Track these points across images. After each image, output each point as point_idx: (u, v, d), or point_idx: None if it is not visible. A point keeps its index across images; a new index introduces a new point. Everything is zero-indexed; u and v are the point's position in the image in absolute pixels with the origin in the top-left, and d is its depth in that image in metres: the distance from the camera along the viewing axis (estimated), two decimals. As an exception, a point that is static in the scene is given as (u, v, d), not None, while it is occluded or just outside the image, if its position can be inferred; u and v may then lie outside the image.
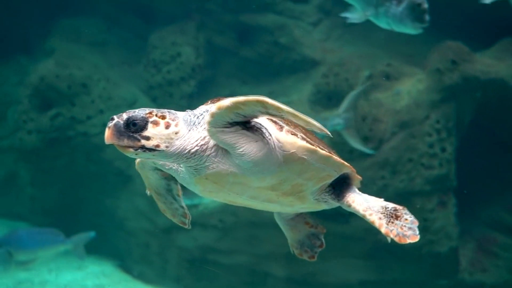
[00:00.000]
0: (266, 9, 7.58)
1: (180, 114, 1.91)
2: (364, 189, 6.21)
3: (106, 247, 7.43)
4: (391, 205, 2.12)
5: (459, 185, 6.09)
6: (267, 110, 1.78)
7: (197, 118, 1.92)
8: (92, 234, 6.28)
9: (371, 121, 6.15)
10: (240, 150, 1.85)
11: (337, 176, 2.15)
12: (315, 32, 7.73)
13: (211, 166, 1.93)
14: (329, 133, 1.86)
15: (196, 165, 1.93)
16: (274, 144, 1.90)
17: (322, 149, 2.01)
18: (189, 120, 1.91)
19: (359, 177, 2.27)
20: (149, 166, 2.28)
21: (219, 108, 1.76)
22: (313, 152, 1.96)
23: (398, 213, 2.08)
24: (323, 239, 2.54)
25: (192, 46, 7.71)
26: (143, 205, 7.04)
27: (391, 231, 2.02)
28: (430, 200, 5.92)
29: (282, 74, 7.61)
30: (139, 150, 1.81)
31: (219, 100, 1.88)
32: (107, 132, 1.78)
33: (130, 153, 1.82)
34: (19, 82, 8.26)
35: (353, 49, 7.45)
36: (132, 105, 7.60)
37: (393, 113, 6.14)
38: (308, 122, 1.78)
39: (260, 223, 6.19)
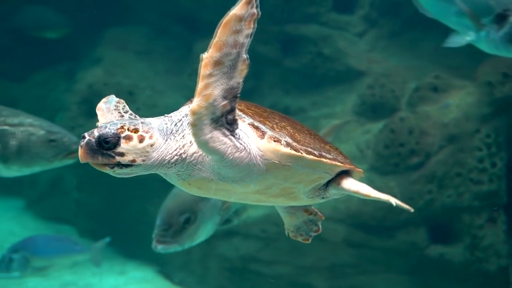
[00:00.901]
0: (311, 20, 7.58)
1: (155, 123, 1.80)
2: (410, 202, 6.10)
3: (147, 252, 7.51)
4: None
5: (509, 202, 5.91)
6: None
7: (175, 125, 1.82)
8: (107, 239, 6.32)
9: (418, 134, 6.05)
10: (225, 160, 1.74)
11: (332, 176, 2.03)
12: (360, 42, 7.68)
13: (193, 173, 1.84)
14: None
15: (177, 171, 1.84)
16: (255, 153, 1.79)
17: (310, 153, 1.86)
18: (165, 129, 1.80)
19: (360, 170, 2.16)
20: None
21: (193, 113, 1.62)
22: (299, 158, 1.83)
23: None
24: (320, 225, 2.44)
25: (236, 56, 7.75)
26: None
27: (390, 197, 2.00)
28: (479, 216, 5.76)
29: (326, 85, 7.58)
30: (115, 167, 1.71)
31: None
32: (80, 151, 1.69)
33: (107, 170, 1.72)
34: (67, 89, 8.50)
35: (399, 60, 7.36)
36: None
37: (441, 126, 6.02)
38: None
39: (303, 235, 6.14)
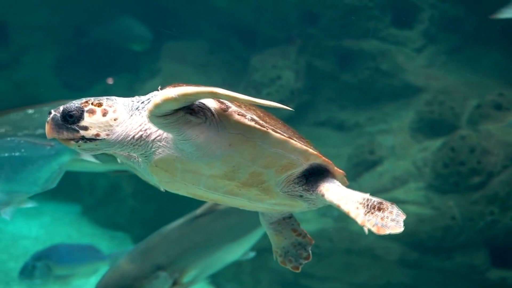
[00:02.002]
0: (369, 35, 7.52)
1: (120, 100, 1.80)
2: (470, 223, 5.87)
3: (198, 262, 7.60)
4: (377, 199, 1.82)
5: None
6: (218, 97, 1.67)
7: (142, 103, 1.81)
8: (129, 249, 6.37)
9: (479, 153, 5.87)
10: (183, 135, 1.72)
11: (306, 166, 1.91)
12: (418, 58, 7.56)
13: (158, 151, 1.81)
14: (287, 107, 1.68)
15: (144, 152, 1.82)
16: (218, 125, 1.73)
17: (277, 132, 1.77)
18: (130, 106, 1.80)
19: (341, 171, 2.00)
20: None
21: (165, 99, 1.62)
22: (264, 134, 1.75)
23: (382, 206, 1.78)
24: (310, 251, 2.30)
25: (292, 70, 7.79)
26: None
27: (368, 221, 1.74)
28: (544, 240, 5.52)
29: (382, 100, 7.49)
30: (80, 141, 1.71)
31: (176, 86, 1.76)
32: (47, 127, 1.71)
33: (71, 145, 1.72)
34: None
35: (459, 76, 7.19)
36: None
37: (504, 146, 5.82)
38: (264, 104, 1.62)
39: (357, 251, 6.05)
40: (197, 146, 1.74)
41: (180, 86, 1.71)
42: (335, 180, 1.96)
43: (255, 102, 1.64)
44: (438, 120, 6.61)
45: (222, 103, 1.75)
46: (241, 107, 1.79)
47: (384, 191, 6.38)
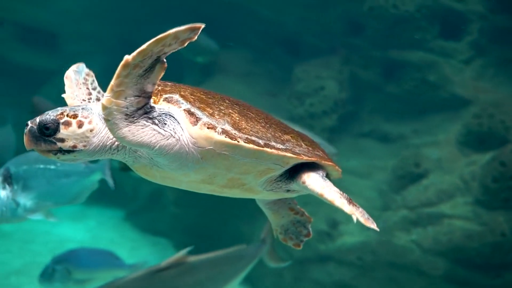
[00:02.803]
0: (416, 45, 7.42)
1: (95, 109, 1.76)
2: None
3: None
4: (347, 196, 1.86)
5: None
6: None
7: None
8: (148, 262, 6.40)
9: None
10: (154, 150, 1.70)
11: (287, 168, 1.88)
12: (466, 70, 7.40)
13: (135, 160, 1.81)
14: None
15: (123, 158, 1.82)
16: (187, 140, 1.71)
17: (251, 142, 1.73)
18: None
19: (331, 163, 1.96)
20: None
21: (124, 65, 1.54)
22: (235, 147, 1.72)
23: (353, 202, 1.83)
24: (309, 228, 2.27)
25: (336, 80, 7.76)
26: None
27: (356, 210, 1.77)
28: None
29: (428, 112, 7.36)
30: (58, 153, 1.70)
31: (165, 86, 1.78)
32: (25, 139, 1.69)
33: (52, 157, 1.71)
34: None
35: (509, 89, 7.00)
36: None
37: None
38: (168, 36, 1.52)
39: (401, 265, 5.95)
40: (169, 160, 1.73)
41: (161, 93, 1.75)
42: (319, 171, 1.93)
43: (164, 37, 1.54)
44: (487, 134, 6.44)
45: (192, 115, 1.72)
46: (214, 115, 1.75)
47: (429, 204, 6.26)
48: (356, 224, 6.04)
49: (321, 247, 6.63)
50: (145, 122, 1.65)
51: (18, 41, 10.81)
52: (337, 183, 1.97)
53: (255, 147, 1.74)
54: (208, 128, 1.70)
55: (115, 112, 1.60)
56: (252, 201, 7.20)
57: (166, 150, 1.70)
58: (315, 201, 7.48)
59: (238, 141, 1.72)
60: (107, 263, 5.49)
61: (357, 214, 1.77)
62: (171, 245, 8.26)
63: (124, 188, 9.16)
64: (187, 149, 1.72)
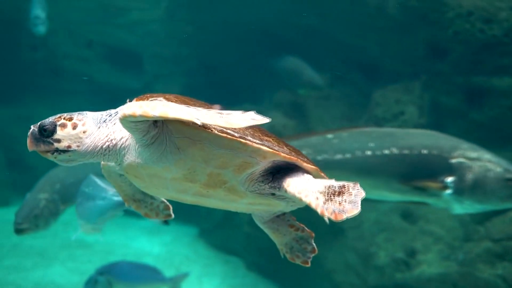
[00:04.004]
0: (503, 71, 7.16)
1: (90, 114, 1.93)
2: None
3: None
4: (339, 183, 1.75)
5: None
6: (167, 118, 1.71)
7: (110, 116, 1.94)
8: (188, 274, 6.39)
9: None
10: (140, 137, 1.82)
11: (267, 164, 1.87)
12: (560, 98, 7.05)
13: (124, 158, 1.93)
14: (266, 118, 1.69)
15: (116, 160, 1.96)
16: (166, 131, 1.80)
17: (224, 132, 1.77)
18: (99, 119, 1.92)
19: (312, 166, 1.93)
20: (115, 174, 2.23)
21: (123, 116, 1.72)
22: (209, 135, 1.76)
23: (343, 189, 1.72)
24: (314, 244, 2.22)
25: (416, 105, 7.62)
26: (354, 260, 7.02)
27: (327, 209, 1.67)
28: None
29: (515, 141, 7.04)
30: (55, 153, 1.85)
31: (144, 97, 1.87)
32: (28, 141, 1.85)
33: (49, 157, 1.87)
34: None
35: None
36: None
37: None
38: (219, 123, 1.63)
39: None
40: (151, 151, 1.83)
41: (148, 98, 1.83)
42: (303, 174, 1.90)
43: (211, 122, 1.64)
44: None
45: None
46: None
47: (515, 238, 5.97)
48: (435, 253, 5.84)
49: (398, 275, 6.47)
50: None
51: (106, 62, 11.48)
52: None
53: (229, 136, 1.78)
54: None
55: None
56: (329, 229, 7.11)
57: (151, 140, 1.81)
58: (391, 227, 7.31)
59: (212, 131, 1.76)
60: (148, 277, 5.64)
61: (327, 213, 1.67)
62: (243, 265, 8.33)
63: (198, 206, 9.36)
64: (166, 140, 1.81)
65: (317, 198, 1.73)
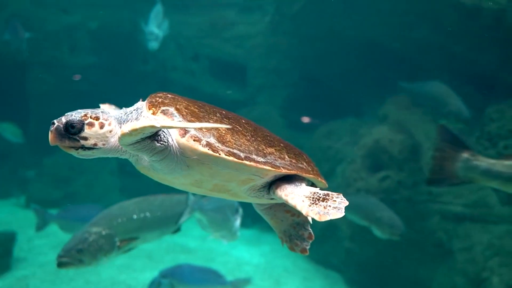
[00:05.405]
0: None
1: (113, 113, 1.98)
2: None
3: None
4: (324, 192, 1.95)
5: None
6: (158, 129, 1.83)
7: (127, 115, 2.00)
8: (250, 279, 6.17)
9: None
10: (150, 157, 1.94)
11: (267, 179, 2.05)
12: None
13: (138, 160, 2.05)
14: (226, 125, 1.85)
15: (129, 156, 2.04)
16: (176, 150, 1.92)
17: (232, 155, 1.92)
18: (120, 119, 1.98)
19: (311, 175, 2.08)
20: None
21: (122, 135, 1.83)
22: (217, 159, 1.91)
23: (327, 197, 1.91)
24: (310, 229, 2.26)
25: (536, 122, 7.10)
26: (463, 284, 6.64)
27: (312, 210, 1.86)
28: None
29: None
30: (79, 149, 1.90)
31: (153, 97, 2.00)
32: (50, 136, 1.87)
33: (73, 152, 1.91)
34: (350, 141, 8.96)
35: None
36: (460, 177, 7.37)
37: None
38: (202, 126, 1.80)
39: None
40: (162, 165, 1.96)
41: (159, 98, 1.99)
42: (298, 180, 2.06)
43: (196, 127, 1.82)
44: None
45: (182, 128, 1.91)
46: (201, 128, 1.94)
47: None
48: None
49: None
50: (147, 139, 1.92)
51: (211, 74, 11.90)
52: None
53: (235, 159, 1.93)
54: (194, 140, 1.91)
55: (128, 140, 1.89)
56: (429, 245, 6.81)
57: (160, 157, 1.95)
58: (506, 252, 6.81)
59: (220, 154, 1.91)
60: (209, 280, 5.68)
61: (312, 214, 1.85)
62: (342, 280, 8.19)
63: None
64: (176, 158, 1.94)
65: (303, 201, 1.93)
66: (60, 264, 4.16)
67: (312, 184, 2.21)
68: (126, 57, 12.23)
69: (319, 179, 2.16)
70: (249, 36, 11.45)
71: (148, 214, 4.72)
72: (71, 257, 4.20)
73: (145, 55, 12.15)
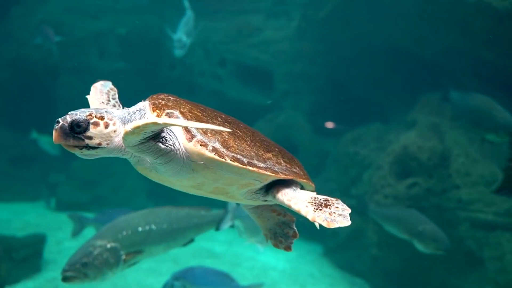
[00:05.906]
0: None
1: (116, 112, 1.98)
2: None
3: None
4: (323, 196, 2.02)
5: None
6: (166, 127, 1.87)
7: (130, 116, 2.00)
8: (262, 284, 6.09)
9: None
10: (154, 159, 1.96)
11: (264, 183, 2.11)
12: None
13: (139, 161, 2.05)
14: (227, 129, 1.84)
15: (131, 156, 2.03)
16: (183, 154, 1.95)
17: (236, 160, 1.97)
18: (124, 119, 1.98)
19: (304, 180, 2.17)
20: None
21: (126, 133, 1.83)
22: (222, 164, 1.96)
23: (328, 203, 1.98)
24: (295, 228, 2.36)
25: None
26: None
27: (318, 216, 1.92)
28: None
29: None
30: (83, 149, 1.89)
31: (156, 98, 2.01)
32: (54, 134, 1.86)
33: (76, 152, 1.90)
34: (377, 147, 8.89)
35: None
36: (491, 183, 7.25)
37: None
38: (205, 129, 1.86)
39: None
40: (166, 168, 1.99)
41: (161, 98, 2.01)
42: (292, 184, 2.14)
43: (196, 127, 1.82)
44: None
45: (188, 132, 1.97)
46: (207, 133, 1.98)
47: None
48: None
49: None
50: (152, 140, 1.94)
51: (237, 79, 11.96)
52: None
53: (239, 165, 1.99)
54: (201, 145, 1.96)
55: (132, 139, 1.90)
56: (459, 253, 6.70)
57: (165, 160, 1.97)
58: None
59: (225, 159, 1.97)
60: (221, 283, 5.66)
61: (319, 220, 1.91)
62: (368, 287, 8.12)
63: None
64: (182, 161, 1.98)
65: (307, 206, 1.99)
66: (65, 279, 4.03)
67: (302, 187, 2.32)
68: (154, 62, 12.38)
69: (310, 183, 2.25)
70: (275, 42, 11.48)
71: (153, 226, 4.60)
72: (76, 271, 4.10)
73: (172, 61, 12.27)
